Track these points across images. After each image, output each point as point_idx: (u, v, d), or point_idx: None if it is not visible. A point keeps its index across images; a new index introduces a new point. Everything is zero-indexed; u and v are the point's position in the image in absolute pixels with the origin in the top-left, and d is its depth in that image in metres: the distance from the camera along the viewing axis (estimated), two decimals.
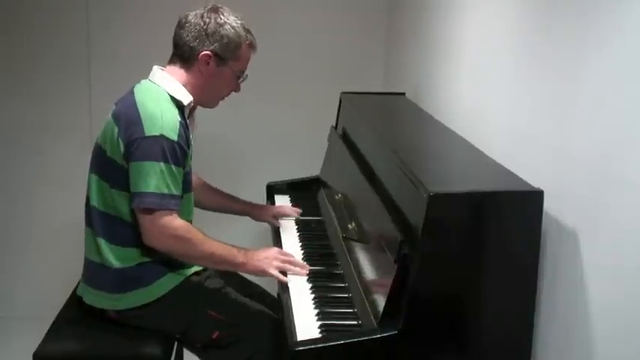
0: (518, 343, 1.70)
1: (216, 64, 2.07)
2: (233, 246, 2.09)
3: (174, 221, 1.98)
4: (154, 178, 1.93)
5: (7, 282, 3.45)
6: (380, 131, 2.39)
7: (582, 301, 1.52)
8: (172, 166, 1.95)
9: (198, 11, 2.07)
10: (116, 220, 2.04)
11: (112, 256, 2.04)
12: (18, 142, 3.36)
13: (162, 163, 1.94)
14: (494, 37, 2.10)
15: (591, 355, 1.50)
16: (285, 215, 2.56)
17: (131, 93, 2.06)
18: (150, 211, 1.95)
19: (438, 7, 2.65)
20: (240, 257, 2.07)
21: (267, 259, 2.09)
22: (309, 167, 2.93)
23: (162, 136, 1.93)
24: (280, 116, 3.44)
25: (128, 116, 1.97)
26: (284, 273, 2.07)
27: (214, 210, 2.54)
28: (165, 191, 1.95)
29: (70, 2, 3.26)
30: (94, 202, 2.06)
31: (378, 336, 1.62)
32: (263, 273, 2.08)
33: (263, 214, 2.57)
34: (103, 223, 2.05)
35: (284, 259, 2.11)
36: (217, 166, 2.99)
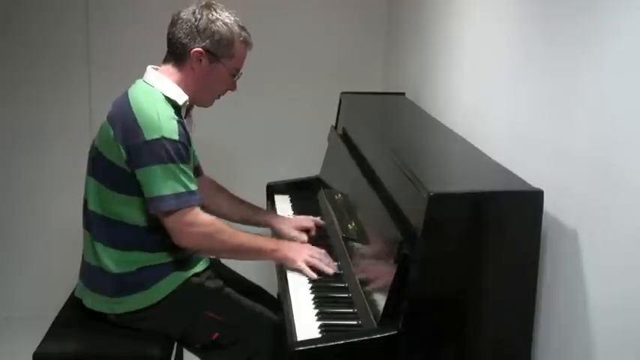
0: (518, 343, 1.69)
1: (208, 62, 2.05)
2: (259, 235, 2.10)
3: (199, 217, 1.97)
4: (166, 179, 1.92)
5: (7, 282, 3.45)
6: (380, 131, 2.38)
7: (582, 301, 1.52)
8: (181, 165, 1.95)
9: (191, 8, 2.05)
10: (116, 223, 2.02)
11: (110, 261, 2.03)
12: (17, 142, 3.36)
13: (170, 164, 1.92)
14: (494, 37, 2.10)
15: (591, 355, 1.50)
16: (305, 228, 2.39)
17: (125, 94, 2.03)
18: (170, 212, 1.94)
19: (438, 6, 2.65)
20: (271, 244, 2.09)
21: (300, 251, 2.08)
22: (309, 167, 2.93)
23: (163, 138, 1.92)
24: (280, 116, 3.44)
25: (124, 120, 1.96)
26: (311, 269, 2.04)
27: (235, 221, 2.41)
28: (182, 189, 1.94)
29: (70, 2, 3.26)
30: (93, 207, 2.05)
31: (378, 336, 1.62)
32: (292, 262, 2.06)
33: (284, 227, 2.38)
34: (102, 227, 2.04)
35: (315, 254, 2.09)
36: (217, 166, 2.97)
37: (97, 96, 3.29)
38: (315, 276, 2.03)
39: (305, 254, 2.08)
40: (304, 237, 2.33)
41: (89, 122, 3.27)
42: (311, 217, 2.46)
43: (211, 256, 2.22)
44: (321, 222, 2.45)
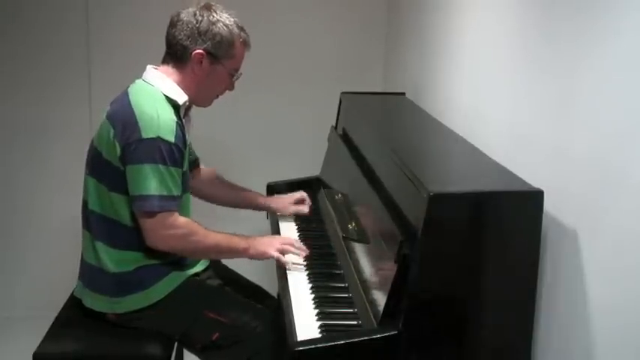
0: (518, 343, 1.69)
1: (209, 63, 2.05)
2: (233, 234, 2.13)
3: (178, 221, 1.99)
4: (153, 180, 1.93)
5: (8, 282, 3.45)
6: (380, 131, 2.38)
7: (582, 301, 1.53)
8: (171, 168, 1.95)
9: (190, 9, 2.04)
10: (115, 223, 2.03)
11: (110, 261, 2.03)
12: (18, 142, 3.36)
13: (160, 165, 1.93)
14: (494, 37, 2.10)
15: (591, 354, 1.50)
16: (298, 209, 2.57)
17: (125, 94, 2.03)
18: (152, 214, 1.95)
19: (438, 6, 2.65)
20: (242, 243, 2.12)
21: (271, 243, 2.15)
22: (309, 167, 2.93)
23: (159, 138, 1.92)
24: (280, 116, 3.44)
25: (124, 118, 1.96)
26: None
27: (232, 206, 2.56)
28: (166, 193, 1.95)
29: (70, 2, 3.26)
30: (92, 206, 2.05)
31: (379, 336, 1.62)
32: (264, 255, 2.12)
33: (282, 207, 2.58)
34: (101, 226, 2.04)
35: (285, 241, 2.17)
36: (217, 166, 2.98)
37: (97, 96, 3.29)
38: (290, 262, 2.10)
39: (276, 244, 2.15)
40: (305, 209, 2.55)
41: (89, 122, 3.26)
42: (299, 194, 2.62)
43: (186, 257, 2.19)
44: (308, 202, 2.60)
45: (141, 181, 1.93)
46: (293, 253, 2.13)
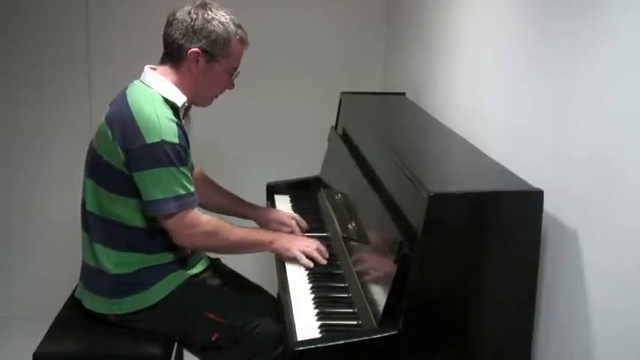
0: (518, 343, 1.69)
1: (205, 62, 2.04)
2: (255, 229, 2.17)
3: (200, 218, 2.00)
4: (167, 183, 1.93)
5: (8, 282, 3.45)
6: (380, 131, 2.38)
7: (582, 301, 1.52)
8: (180, 167, 1.96)
9: (186, 8, 2.04)
10: (115, 224, 2.03)
11: (109, 262, 2.03)
12: (18, 142, 3.36)
13: (171, 167, 1.93)
14: (494, 37, 2.10)
15: (591, 355, 1.50)
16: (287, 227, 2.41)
17: (123, 95, 2.03)
18: (171, 215, 1.95)
19: (438, 6, 2.65)
20: (267, 237, 2.15)
21: (295, 241, 2.16)
22: (309, 167, 2.93)
23: (163, 141, 1.92)
24: (280, 116, 3.44)
25: (123, 121, 1.95)
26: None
27: (217, 212, 2.49)
28: (182, 192, 1.95)
29: (70, 2, 3.26)
30: (91, 207, 2.05)
31: (379, 336, 1.62)
32: (288, 251, 2.12)
33: (268, 220, 2.43)
34: (100, 228, 2.04)
35: (309, 244, 2.16)
36: (217, 166, 2.98)
37: (98, 95, 3.28)
38: (310, 264, 2.10)
39: (300, 244, 2.15)
40: (285, 228, 2.37)
41: (89, 122, 3.26)
42: (292, 215, 2.45)
43: (212, 254, 2.24)
44: (302, 223, 2.43)
45: (155, 186, 1.93)
46: (314, 257, 2.12)
